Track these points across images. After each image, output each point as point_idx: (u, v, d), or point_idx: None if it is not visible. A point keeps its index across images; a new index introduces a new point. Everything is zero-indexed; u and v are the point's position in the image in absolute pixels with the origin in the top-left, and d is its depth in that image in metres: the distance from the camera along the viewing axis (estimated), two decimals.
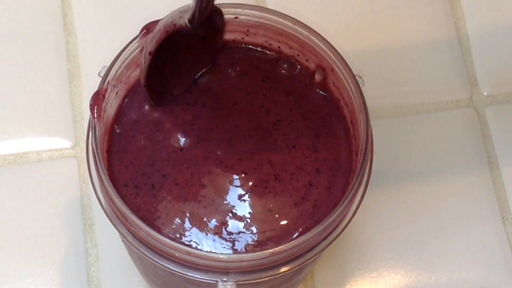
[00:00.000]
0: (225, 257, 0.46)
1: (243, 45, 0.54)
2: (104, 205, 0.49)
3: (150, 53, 0.49)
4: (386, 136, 0.65)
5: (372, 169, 0.50)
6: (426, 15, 0.69)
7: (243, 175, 0.50)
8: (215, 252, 0.48)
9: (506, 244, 0.63)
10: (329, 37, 0.52)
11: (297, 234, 0.49)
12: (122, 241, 0.53)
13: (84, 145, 0.63)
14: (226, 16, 0.51)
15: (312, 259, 0.48)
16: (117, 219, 0.48)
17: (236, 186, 0.50)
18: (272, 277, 0.48)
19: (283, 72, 0.54)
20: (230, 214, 0.49)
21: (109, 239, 0.61)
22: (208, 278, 0.47)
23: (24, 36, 0.66)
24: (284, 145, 0.51)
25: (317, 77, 0.53)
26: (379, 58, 0.67)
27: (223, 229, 0.49)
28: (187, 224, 0.49)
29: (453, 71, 0.67)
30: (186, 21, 0.48)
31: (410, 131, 0.65)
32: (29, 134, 0.63)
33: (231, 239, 0.49)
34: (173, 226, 0.49)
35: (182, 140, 0.51)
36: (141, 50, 0.51)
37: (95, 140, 0.48)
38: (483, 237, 0.63)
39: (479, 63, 0.68)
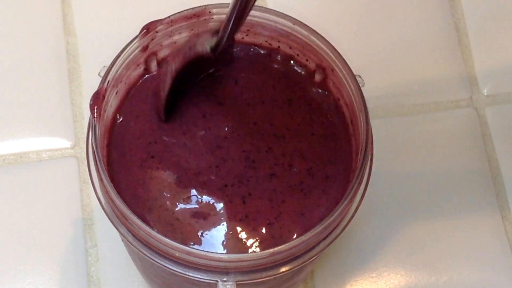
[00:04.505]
0: (225, 257, 0.46)
1: (243, 44, 0.54)
2: (104, 205, 0.49)
3: (175, 71, 0.50)
4: (386, 136, 0.65)
5: (372, 169, 0.50)
6: (426, 15, 0.69)
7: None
8: (215, 252, 0.48)
9: (506, 244, 0.63)
10: (329, 37, 0.52)
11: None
12: (122, 241, 0.53)
13: (84, 145, 0.63)
14: None
15: (312, 259, 0.48)
16: (117, 219, 0.48)
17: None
18: (272, 277, 0.48)
19: (283, 72, 0.54)
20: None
21: (109, 239, 0.61)
22: (208, 278, 0.47)
23: (24, 36, 0.66)
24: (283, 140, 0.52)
25: (317, 77, 0.53)
26: (379, 58, 0.67)
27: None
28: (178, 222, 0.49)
29: (453, 71, 0.67)
30: (209, 49, 0.49)
31: (410, 131, 0.65)
32: (29, 134, 0.63)
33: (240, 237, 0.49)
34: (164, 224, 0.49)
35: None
36: (142, 50, 0.51)
37: (95, 140, 0.48)
38: (483, 237, 0.63)
39: (479, 63, 0.68)
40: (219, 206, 0.50)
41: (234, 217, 0.50)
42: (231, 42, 0.51)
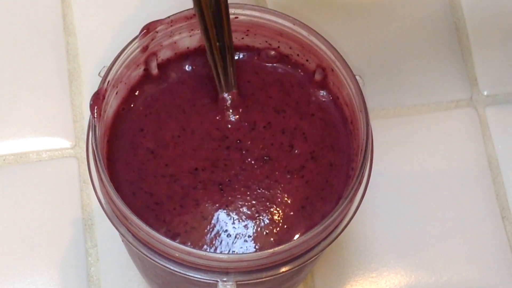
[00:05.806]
0: (225, 257, 0.46)
1: (243, 45, 0.54)
2: (104, 205, 0.49)
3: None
4: (386, 136, 0.65)
5: (372, 169, 0.50)
6: (426, 15, 0.69)
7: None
8: (215, 252, 0.48)
9: (506, 244, 0.63)
10: (329, 37, 0.52)
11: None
12: (122, 241, 0.53)
13: (84, 145, 0.63)
14: None
15: (312, 259, 0.48)
16: (117, 219, 0.48)
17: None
18: (272, 277, 0.48)
19: (283, 72, 0.54)
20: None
21: (109, 239, 0.61)
22: (208, 278, 0.47)
23: (24, 36, 0.66)
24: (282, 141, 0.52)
25: (317, 77, 0.53)
26: (379, 58, 0.67)
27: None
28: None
29: (453, 71, 0.67)
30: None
31: (410, 131, 0.65)
32: (29, 134, 0.64)
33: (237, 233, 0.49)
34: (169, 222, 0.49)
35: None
36: (142, 50, 0.51)
37: (95, 140, 0.48)
38: (483, 237, 0.63)
39: (479, 63, 0.68)
40: (196, 193, 0.49)
41: (216, 206, 0.49)
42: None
